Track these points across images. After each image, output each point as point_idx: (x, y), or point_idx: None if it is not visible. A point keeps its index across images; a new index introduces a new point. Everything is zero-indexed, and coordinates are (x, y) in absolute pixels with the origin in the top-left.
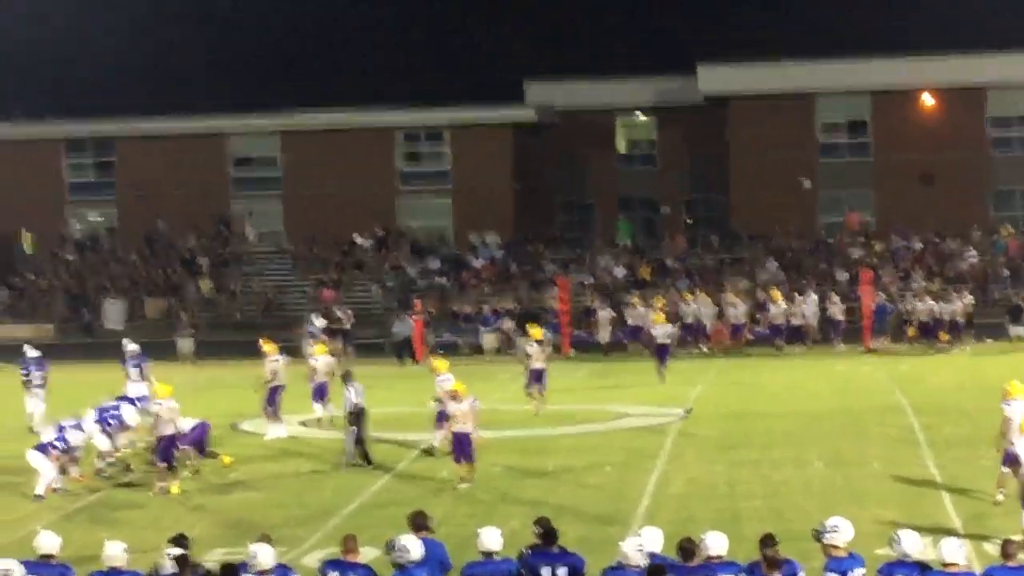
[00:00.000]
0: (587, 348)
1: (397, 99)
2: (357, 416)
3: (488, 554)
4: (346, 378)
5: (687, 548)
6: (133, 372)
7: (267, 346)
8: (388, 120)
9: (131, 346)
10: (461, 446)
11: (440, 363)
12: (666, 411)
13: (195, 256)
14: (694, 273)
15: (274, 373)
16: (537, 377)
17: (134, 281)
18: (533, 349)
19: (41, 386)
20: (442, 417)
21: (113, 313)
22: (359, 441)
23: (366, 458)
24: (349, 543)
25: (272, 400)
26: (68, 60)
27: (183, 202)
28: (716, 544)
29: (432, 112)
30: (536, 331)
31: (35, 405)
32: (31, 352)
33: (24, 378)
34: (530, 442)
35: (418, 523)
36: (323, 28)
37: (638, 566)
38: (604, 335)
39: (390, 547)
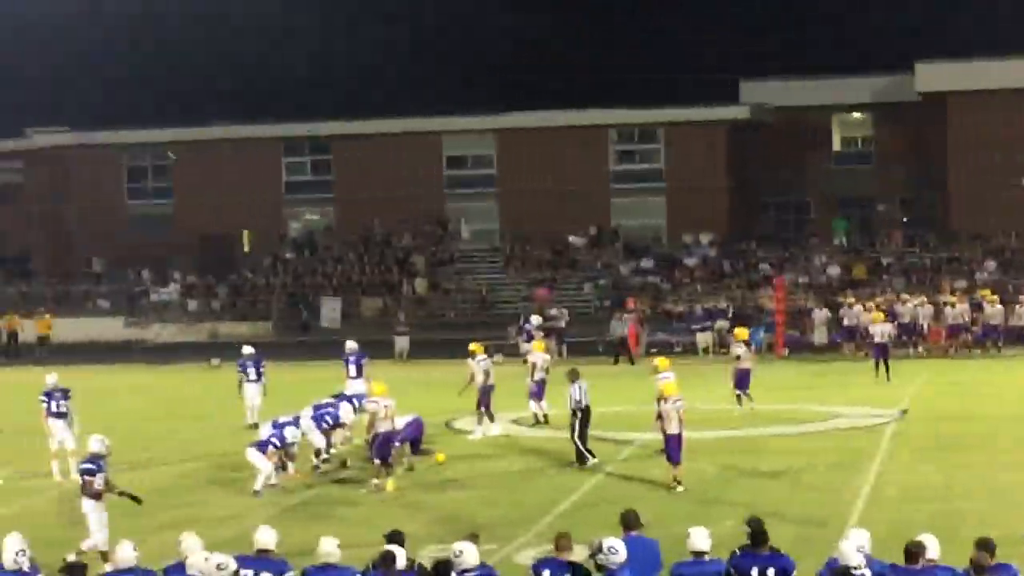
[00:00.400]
0: (801, 348)
1: (611, 98)
2: (581, 414)
3: (698, 554)
4: (572, 376)
5: (914, 551)
6: (352, 370)
7: (474, 347)
8: (601, 119)
9: (351, 344)
10: (668, 446)
11: (662, 361)
12: (881, 412)
13: (410, 255)
14: (910, 272)
15: (484, 373)
16: (743, 377)
17: (350, 280)
18: (741, 350)
19: (257, 381)
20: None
21: (330, 312)
22: (580, 439)
23: (582, 457)
24: (562, 541)
25: (483, 400)
26: (285, 62)
27: (398, 201)
28: (929, 548)
29: (646, 111)
30: (742, 332)
31: (252, 401)
32: (247, 349)
33: (241, 375)
34: (743, 442)
35: (629, 521)
36: (535, 29)
37: (856, 567)
38: (819, 335)
39: (596, 549)
